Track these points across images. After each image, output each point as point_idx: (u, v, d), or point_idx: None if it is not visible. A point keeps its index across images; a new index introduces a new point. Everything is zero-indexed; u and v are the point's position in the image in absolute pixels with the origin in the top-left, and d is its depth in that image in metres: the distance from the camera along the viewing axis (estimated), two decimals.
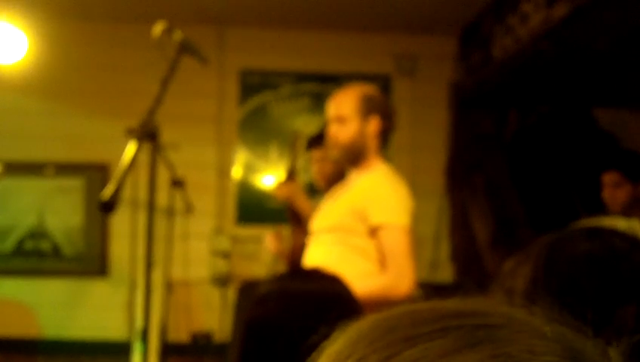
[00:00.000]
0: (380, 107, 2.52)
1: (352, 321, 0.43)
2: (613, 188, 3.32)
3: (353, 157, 2.51)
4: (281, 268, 3.36)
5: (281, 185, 3.21)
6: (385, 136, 2.56)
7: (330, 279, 1.38)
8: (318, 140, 3.42)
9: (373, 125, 2.48)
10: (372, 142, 2.50)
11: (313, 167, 3.44)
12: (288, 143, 3.49)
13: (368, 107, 2.48)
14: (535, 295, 0.75)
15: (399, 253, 2.32)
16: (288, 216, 3.30)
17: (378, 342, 0.39)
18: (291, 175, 3.22)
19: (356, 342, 0.40)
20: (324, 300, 1.27)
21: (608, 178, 3.34)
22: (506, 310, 0.40)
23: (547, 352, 0.37)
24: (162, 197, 2.90)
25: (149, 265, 2.17)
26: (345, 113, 2.47)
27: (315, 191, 3.92)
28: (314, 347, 0.44)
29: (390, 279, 2.30)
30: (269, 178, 5.02)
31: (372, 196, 2.40)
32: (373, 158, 2.51)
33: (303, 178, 4.88)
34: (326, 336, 0.43)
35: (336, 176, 3.13)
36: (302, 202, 3.21)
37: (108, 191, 1.90)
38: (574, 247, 0.76)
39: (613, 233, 0.78)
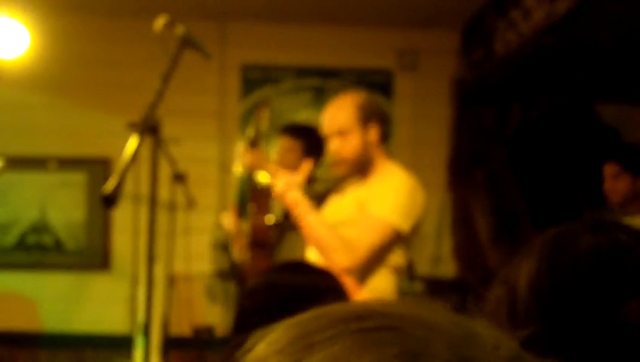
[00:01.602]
0: (377, 112, 2.43)
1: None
2: (612, 180, 3.31)
3: (360, 170, 2.42)
4: (234, 248, 3.33)
5: (244, 153, 2.95)
6: (384, 138, 2.49)
7: (320, 272, 1.38)
8: (295, 131, 3.38)
9: (374, 133, 2.39)
10: (377, 151, 2.41)
11: (278, 155, 3.38)
12: (254, 112, 3.39)
13: (367, 115, 2.37)
14: (539, 290, 0.74)
15: (367, 242, 2.25)
16: (250, 193, 3.22)
17: (286, 349, 0.41)
18: (254, 143, 2.99)
19: (268, 348, 0.42)
20: (313, 293, 1.27)
21: (608, 169, 3.33)
22: (398, 310, 0.42)
23: (439, 341, 0.39)
24: (164, 192, 2.90)
25: (150, 260, 2.18)
26: (345, 125, 2.35)
27: None
28: None
29: (342, 251, 2.24)
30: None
31: (377, 191, 2.36)
32: (382, 165, 2.43)
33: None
34: None
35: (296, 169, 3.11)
36: (268, 170, 3.09)
37: (110, 186, 1.90)
38: (578, 242, 0.76)
39: (618, 227, 0.78)
